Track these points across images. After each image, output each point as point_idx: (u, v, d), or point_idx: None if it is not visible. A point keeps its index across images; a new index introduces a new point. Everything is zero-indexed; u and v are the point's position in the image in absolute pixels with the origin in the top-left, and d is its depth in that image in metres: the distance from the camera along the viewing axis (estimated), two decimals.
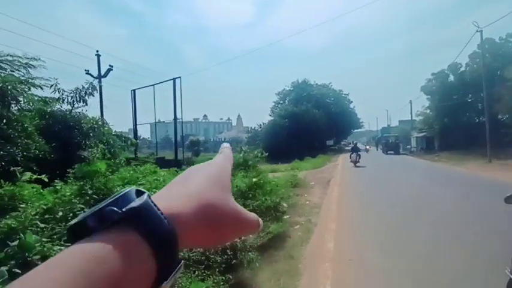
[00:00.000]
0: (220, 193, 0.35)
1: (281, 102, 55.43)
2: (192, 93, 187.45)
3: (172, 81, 15.05)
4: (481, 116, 28.34)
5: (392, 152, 35.72)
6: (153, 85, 12.67)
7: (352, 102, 58.02)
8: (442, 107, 29.35)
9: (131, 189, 0.31)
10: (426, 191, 9.83)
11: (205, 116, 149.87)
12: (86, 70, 17.49)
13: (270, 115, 51.76)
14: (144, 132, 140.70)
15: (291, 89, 54.52)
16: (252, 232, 0.39)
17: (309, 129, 39.01)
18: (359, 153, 21.32)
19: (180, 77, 11.54)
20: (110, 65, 17.66)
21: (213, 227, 0.33)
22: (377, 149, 45.89)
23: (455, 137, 28.13)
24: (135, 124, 13.17)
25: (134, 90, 13.33)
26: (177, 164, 12.12)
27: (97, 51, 17.73)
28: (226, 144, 0.50)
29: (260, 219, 0.40)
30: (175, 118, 10.91)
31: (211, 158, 0.45)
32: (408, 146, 38.90)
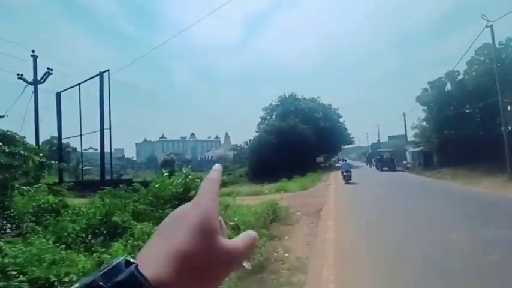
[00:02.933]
0: (205, 242, 0.35)
1: (268, 117, 52.57)
2: (180, 112, 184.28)
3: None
4: (485, 126, 25.80)
5: (387, 168, 32.83)
6: (79, 84, 9.49)
7: (341, 116, 55.51)
8: (441, 118, 26.72)
9: (121, 259, 0.31)
10: (473, 235, 6.40)
11: (192, 134, 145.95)
12: (18, 74, 14.15)
13: (257, 131, 48.48)
14: (130, 151, 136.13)
15: (278, 103, 51.85)
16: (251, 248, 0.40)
17: (297, 145, 36.07)
18: (350, 169, 21.31)
19: (108, 70, 8.48)
20: (48, 68, 14.42)
21: (203, 281, 0.34)
22: (369, 166, 42.82)
23: (457, 150, 25.37)
24: (59, 136, 9.79)
25: (59, 93, 10.07)
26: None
27: (33, 51, 14.47)
28: (217, 166, 0.47)
29: (253, 233, 0.41)
30: (101, 123, 7.67)
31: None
32: (404, 162, 36.06)
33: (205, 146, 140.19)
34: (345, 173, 20.84)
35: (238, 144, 56.64)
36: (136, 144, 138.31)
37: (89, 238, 4.28)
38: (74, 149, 42.79)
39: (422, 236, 6.32)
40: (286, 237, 7.07)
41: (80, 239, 4.28)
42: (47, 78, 14.27)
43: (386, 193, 14.77)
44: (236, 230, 5.97)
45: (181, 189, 5.70)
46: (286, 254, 5.80)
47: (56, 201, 6.86)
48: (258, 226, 7.26)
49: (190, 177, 5.99)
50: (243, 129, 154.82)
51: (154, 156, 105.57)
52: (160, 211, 5.00)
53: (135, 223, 4.61)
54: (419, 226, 7.31)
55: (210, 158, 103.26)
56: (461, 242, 5.83)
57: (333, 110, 54.92)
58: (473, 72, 25.62)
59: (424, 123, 30.37)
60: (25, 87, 14.13)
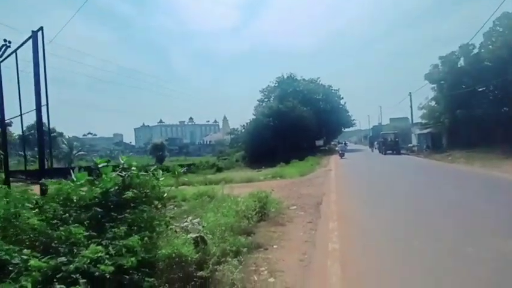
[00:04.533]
0: None
1: (265, 100, 50.44)
2: (179, 96, 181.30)
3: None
4: (500, 105, 23.66)
5: (391, 151, 31.01)
6: (15, 51, 7.46)
7: (342, 98, 53.23)
8: (452, 97, 24.56)
9: None
10: None
11: (191, 118, 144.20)
12: None
13: (254, 114, 46.30)
14: (129, 137, 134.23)
15: (276, 84, 49.57)
16: None
17: (296, 128, 34.29)
18: (345, 150, 31.65)
19: (42, 28, 6.52)
20: (5, 40, 12.19)
21: None
22: (372, 149, 40.81)
23: (469, 132, 23.40)
24: (2, 118, 7.72)
25: None
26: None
27: None
28: None
29: None
30: (37, 95, 5.87)
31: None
32: (409, 145, 34.14)
33: (204, 131, 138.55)
34: (340, 152, 30.14)
35: (235, 128, 54.66)
36: (134, 129, 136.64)
37: None
38: (60, 134, 40.82)
39: (465, 249, 4.45)
40: (274, 246, 5.23)
41: None
42: (4, 51, 12.15)
43: (397, 182, 12.76)
44: (201, 243, 4.13)
45: (116, 188, 3.81)
46: (272, 279, 3.95)
47: None
48: (238, 230, 5.42)
49: (133, 169, 4.06)
50: (243, 113, 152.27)
51: (152, 141, 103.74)
52: (65, 226, 3.09)
53: (14, 249, 2.74)
54: (454, 231, 5.44)
55: (208, 142, 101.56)
56: None
57: (333, 91, 52.67)
58: (490, 46, 23.25)
59: (433, 103, 28.26)
60: None
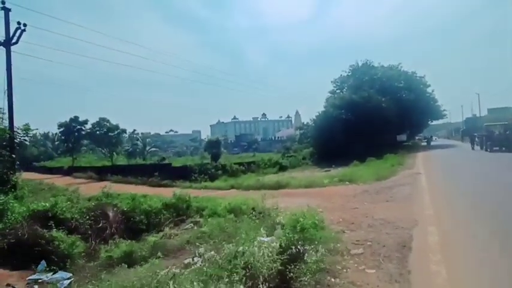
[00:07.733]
0: None
1: (337, 91, 45.62)
2: (252, 92, 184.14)
3: None
4: None
5: (498, 148, 24.44)
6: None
7: (429, 86, 45.14)
8: None
9: None
10: None
11: (263, 114, 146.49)
12: None
13: (324, 107, 41.73)
14: (206, 132, 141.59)
15: (349, 73, 44.48)
16: None
17: (373, 121, 29.72)
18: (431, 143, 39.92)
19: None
20: (18, 22, 11.29)
21: None
22: (472, 146, 32.78)
23: None
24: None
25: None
26: None
27: (3, 2, 11.29)
28: None
29: None
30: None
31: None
32: None
33: (276, 126, 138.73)
34: (427, 144, 37.51)
35: (305, 122, 51.05)
36: (210, 126, 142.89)
37: None
38: (124, 130, 42.24)
39: None
40: None
41: None
42: (20, 36, 11.31)
43: None
44: None
45: None
46: None
47: None
48: None
49: None
50: (316, 107, 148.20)
51: (227, 137, 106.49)
52: None
53: None
54: None
55: (279, 138, 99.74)
56: None
57: (418, 78, 45.03)
58: None
59: None
60: None
